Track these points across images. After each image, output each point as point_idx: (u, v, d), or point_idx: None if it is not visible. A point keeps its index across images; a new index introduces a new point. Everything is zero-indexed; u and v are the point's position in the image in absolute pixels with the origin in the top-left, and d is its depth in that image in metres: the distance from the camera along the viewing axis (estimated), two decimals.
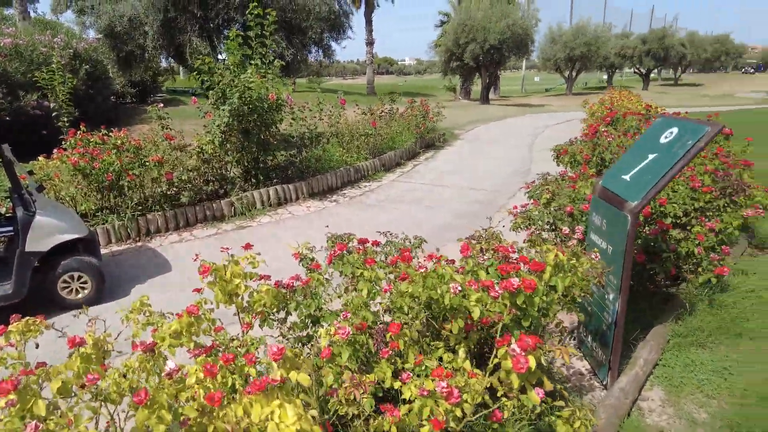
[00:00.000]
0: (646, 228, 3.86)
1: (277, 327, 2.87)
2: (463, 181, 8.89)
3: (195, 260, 2.59)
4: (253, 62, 7.24)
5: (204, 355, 2.24)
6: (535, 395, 1.51)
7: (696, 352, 3.33)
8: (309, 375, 1.69)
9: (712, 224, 3.88)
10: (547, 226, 4.16)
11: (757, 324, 3.60)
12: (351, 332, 2.27)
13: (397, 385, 2.18)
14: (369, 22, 27.95)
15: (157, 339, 2.14)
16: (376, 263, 2.73)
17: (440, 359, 2.42)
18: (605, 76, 44.77)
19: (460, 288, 2.13)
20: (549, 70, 36.16)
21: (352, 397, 2.22)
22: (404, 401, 2.11)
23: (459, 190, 8.33)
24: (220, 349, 2.35)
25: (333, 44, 12.98)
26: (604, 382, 3.09)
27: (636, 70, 42.44)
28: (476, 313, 2.09)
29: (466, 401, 1.91)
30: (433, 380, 1.89)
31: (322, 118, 8.91)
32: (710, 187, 3.91)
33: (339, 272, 2.85)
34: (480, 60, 24.15)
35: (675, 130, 2.89)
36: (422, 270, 2.22)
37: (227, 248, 2.53)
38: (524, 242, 3.76)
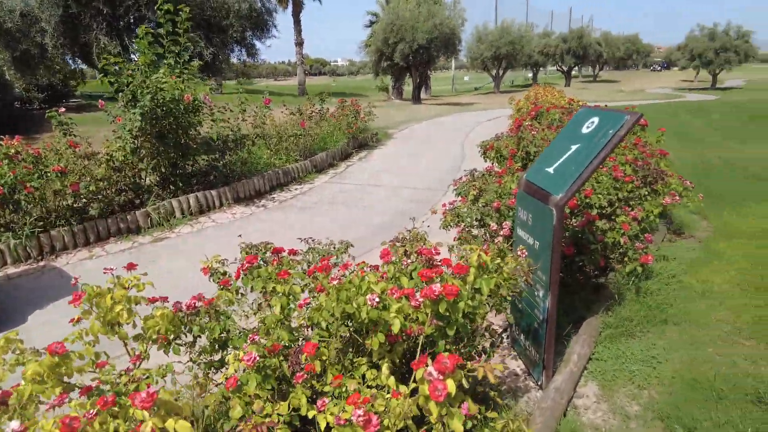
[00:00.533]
0: (573, 220, 3.83)
1: (186, 352, 2.54)
2: (397, 180, 8.76)
3: (74, 284, 2.21)
4: (166, 62, 6.71)
5: (83, 397, 1.90)
6: (459, 425, 1.32)
7: (626, 343, 3.32)
8: (190, 419, 1.40)
9: (635, 213, 3.92)
10: (476, 223, 4.06)
11: (678, 309, 3.66)
12: (257, 358, 1.99)
13: (311, 414, 1.94)
14: (297, 21, 27.41)
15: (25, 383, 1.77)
16: (291, 275, 2.46)
17: (363, 377, 2.20)
18: (530, 74, 46.60)
19: (378, 299, 1.91)
20: (477, 69, 37.11)
21: None
22: (327, 429, 1.88)
23: (393, 189, 8.18)
24: (105, 388, 2.00)
25: (257, 43, 12.48)
26: (539, 382, 2.99)
27: (558, 68, 44.52)
28: (396, 326, 1.88)
29: (387, 428, 1.70)
30: (349, 408, 1.66)
31: (245, 119, 8.47)
32: (632, 176, 3.95)
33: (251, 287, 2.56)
34: (410, 59, 24.29)
35: (596, 120, 2.83)
36: (335, 282, 1.98)
37: (111, 269, 2.17)
38: (454, 240, 3.63)
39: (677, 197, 4.56)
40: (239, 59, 12.10)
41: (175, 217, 6.69)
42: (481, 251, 2.15)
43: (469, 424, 2.23)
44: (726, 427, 2.45)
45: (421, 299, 1.88)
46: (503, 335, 3.61)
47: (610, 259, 3.86)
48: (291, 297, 2.39)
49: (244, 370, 2.08)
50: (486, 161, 5.61)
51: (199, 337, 2.44)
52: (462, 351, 2.52)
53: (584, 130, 2.85)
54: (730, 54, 35.25)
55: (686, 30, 43.34)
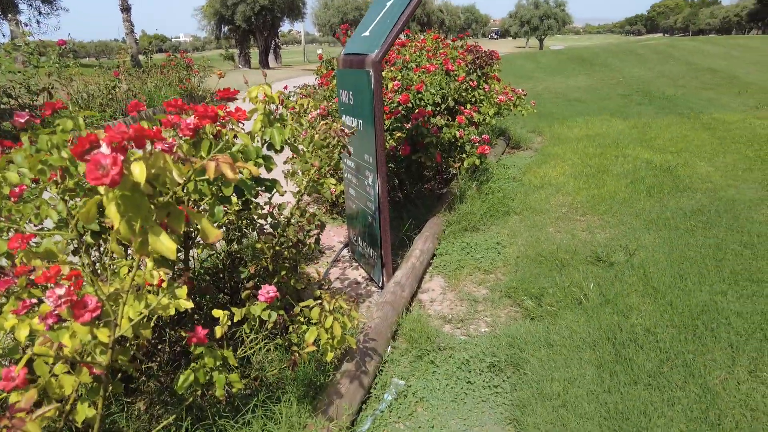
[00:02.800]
0: (408, 124, 3.49)
1: None
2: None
3: None
4: None
5: None
6: (167, 242, 0.77)
7: (471, 236, 3.08)
8: None
9: (469, 111, 3.71)
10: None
11: (519, 201, 3.55)
12: None
13: (9, 324, 1.25)
14: None
15: None
16: None
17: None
18: None
19: None
20: (326, 35, 36.38)
21: None
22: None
23: None
24: None
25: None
26: (380, 284, 2.60)
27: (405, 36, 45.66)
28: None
29: (122, 315, 1.10)
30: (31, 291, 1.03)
31: (36, 65, 6.87)
32: (462, 60, 3.71)
33: None
34: (252, 21, 22.75)
35: None
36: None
37: None
38: (285, 164, 3.07)
39: (510, 95, 4.49)
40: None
41: None
42: (267, 86, 1.59)
43: (273, 316, 1.72)
44: (570, 288, 2.27)
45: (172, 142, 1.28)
46: (345, 249, 3.17)
47: (450, 161, 3.63)
48: None
49: None
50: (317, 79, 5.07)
51: None
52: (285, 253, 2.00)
53: None
54: (551, 21, 39.70)
55: (515, 2, 47.65)
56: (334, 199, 3.41)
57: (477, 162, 3.40)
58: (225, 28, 24.70)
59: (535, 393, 1.67)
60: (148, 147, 0.81)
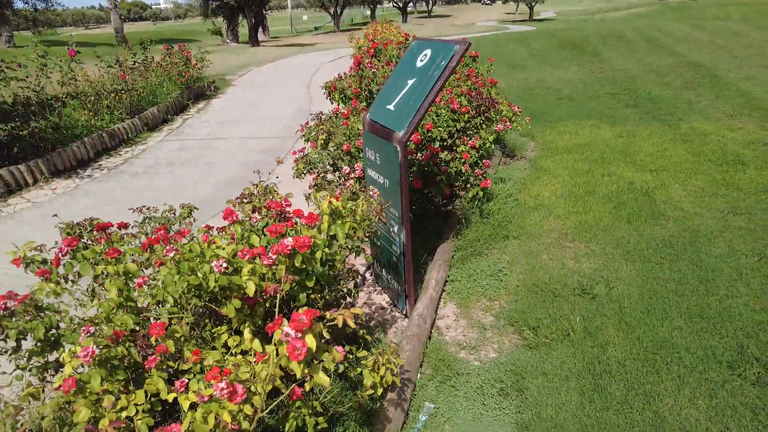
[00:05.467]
0: (419, 154, 3.96)
1: (11, 359, 2.15)
2: (243, 131, 8.24)
3: None
4: None
5: None
6: (324, 377, 1.29)
7: (476, 262, 3.61)
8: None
9: (473, 142, 4.18)
10: (330, 168, 3.99)
11: (516, 224, 4.07)
12: (95, 351, 1.74)
13: (171, 397, 1.78)
14: None
15: None
16: (123, 253, 2.16)
17: (226, 346, 2.08)
18: (368, 12, 46.44)
19: (226, 264, 1.76)
20: (315, 7, 35.88)
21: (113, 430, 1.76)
22: (191, 408, 1.74)
23: (240, 141, 7.69)
24: None
25: None
26: (404, 311, 3.13)
27: (395, 4, 44.96)
28: (251, 289, 1.77)
29: (256, 393, 1.62)
30: (209, 385, 1.54)
31: (49, 76, 7.14)
32: (467, 107, 4.16)
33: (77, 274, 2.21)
34: None
35: (429, 52, 2.86)
36: (173, 254, 1.78)
37: None
38: (309, 188, 3.54)
39: (508, 123, 4.97)
40: (28, 4, 9.94)
41: None
42: (331, 198, 2.08)
43: (341, 368, 2.27)
44: (561, 321, 2.83)
45: (274, 256, 1.78)
46: (366, 274, 3.70)
47: (455, 187, 4.12)
48: (128, 277, 2.12)
49: (83, 368, 1.82)
50: (332, 103, 5.49)
51: (24, 339, 2.07)
52: (327, 298, 2.51)
53: (419, 64, 2.87)
54: None
55: None
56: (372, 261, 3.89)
57: (480, 194, 3.90)
58: (213, 4, 24.40)
59: (535, 415, 2.24)
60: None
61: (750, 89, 7.74)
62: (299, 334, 1.21)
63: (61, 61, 7.50)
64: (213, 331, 2.17)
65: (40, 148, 6.57)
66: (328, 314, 1.50)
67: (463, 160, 3.91)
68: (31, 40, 8.31)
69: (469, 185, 4.03)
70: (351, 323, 1.37)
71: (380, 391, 2.17)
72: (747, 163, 4.84)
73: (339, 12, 34.81)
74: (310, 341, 1.23)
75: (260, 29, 27.86)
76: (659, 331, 2.65)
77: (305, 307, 1.58)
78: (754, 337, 2.53)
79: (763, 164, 4.79)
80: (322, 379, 1.26)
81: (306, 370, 1.24)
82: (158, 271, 2.12)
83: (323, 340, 1.41)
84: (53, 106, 7.12)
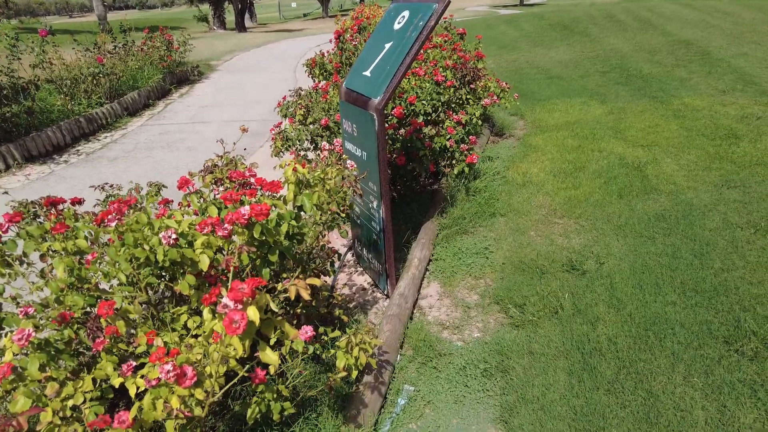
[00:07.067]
0: (402, 130, 3.78)
1: None
2: (227, 114, 8.00)
3: None
4: None
5: None
6: (271, 354, 1.13)
7: (462, 240, 3.46)
8: None
9: (459, 117, 4.01)
10: (311, 146, 3.81)
11: (504, 202, 3.92)
12: (32, 334, 1.58)
13: (117, 381, 1.61)
14: None
15: None
16: (73, 228, 1.98)
17: (186, 328, 1.91)
18: None
19: (175, 236, 1.58)
20: None
21: (58, 420, 1.61)
22: (138, 397, 1.58)
23: (222, 125, 7.46)
24: None
25: None
26: (386, 292, 2.98)
27: None
28: (204, 263, 1.59)
29: (210, 375, 1.46)
30: (154, 366, 1.38)
31: (20, 57, 6.86)
32: (452, 81, 3.98)
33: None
34: None
35: (407, 13, 2.68)
36: (115, 223, 1.60)
37: None
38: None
39: (496, 98, 4.79)
40: None
41: None
42: (297, 164, 1.91)
43: (311, 350, 2.11)
44: (549, 298, 2.69)
45: (229, 227, 1.60)
46: (348, 253, 3.53)
47: (440, 165, 3.95)
48: (81, 255, 1.94)
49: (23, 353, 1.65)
50: (313, 79, 5.29)
51: None
52: (300, 277, 2.35)
53: (396, 26, 2.68)
54: None
55: None
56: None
57: (466, 170, 3.73)
58: None
59: (520, 397, 2.10)
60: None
61: (742, 65, 7.59)
62: (239, 306, 1.04)
63: (33, 42, 7.22)
64: (173, 311, 2.00)
65: (13, 133, 6.32)
66: (279, 285, 1.33)
67: (448, 135, 3.73)
68: (6, 25, 8.01)
69: (454, 161, 3.86)
70: (305, 294, 1.21)
71: (355, 373, 2.01)
72: (741, 136, 4.70)
73: None
74: (252, 313, 1.06)
75: (248, 16, 27.33)
76: (652, 306, 2.51)
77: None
78: (751, 310, 2.40)
79: (756, 137, 4.65)
80: (270, 357, 1.10)
81: (248, 345, 1.08)
82: (107, 246, 1.94)
83: (274, 315, 1.24)
84: (26, 89, 6.85)
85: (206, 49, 15.99)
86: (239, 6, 24.15)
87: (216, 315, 1.22)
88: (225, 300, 1.06)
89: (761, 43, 9.05)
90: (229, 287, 1.28)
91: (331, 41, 5.35)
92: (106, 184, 2.76)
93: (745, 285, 2.60)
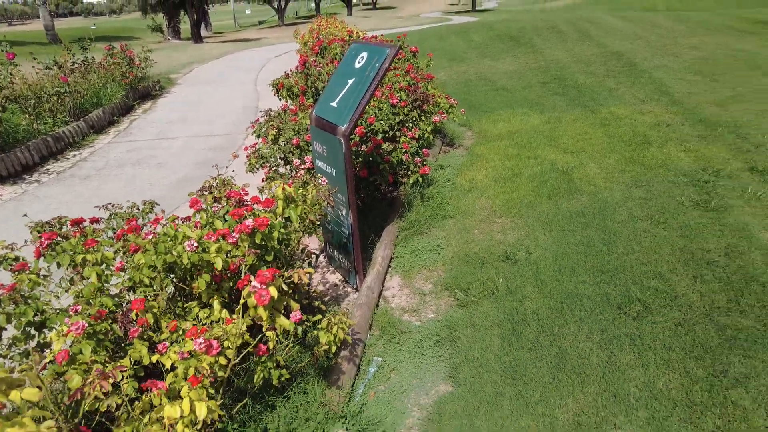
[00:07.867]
0: (364, 146, 4.35)
1: None
2: (192, 129, 8.36)
3: None
4: None
5: None
6: (285, 320, 1.66)
7: (418, 239, 4.05)
8: (39, 387, 1.48)
9: (412, 133, 4.61)
10: (282, 161, 4.32)
11: (453, 206, 4.54)
12: (86, 325, 2.04)
13: (155, 358, 2.10)
14: None
15: None
16: (99, 242, 2.44)
17: (197, 318, 2.40)
18: (313, 4, 46.21)
19: (196, 243, 2.09)
20: (258, 0, 35.42)
21: (104, 390, 2.07)
22: (170, 370, 2.06)
23: (189, 139, 7.82)
24: None
25: None
26: (355, 286, 3.53)
27: None
28: (219, 264, 2.10)
29: (228, 348, 1.97)
30: (190, 340, 1.88)
31: None
32: (406, 101, 4.57)
33: (56, 264, 2.46)
34: None
35: (365, 54, 3.24)
36: (151, 236, 2.09)
37: None
38: (262, 181, 3.86)
39: (444, 115, 5.43)
40: None
41: None
42: (285, 185, 2.44)
43: (300, 331, 2.63)
44: (487, 283, 3.31)
45: (237, 235, 2.12)
46: (321, 256, 4.06)
47: (399, 175, 4.55)
48: (105, 264, 2.40)
49: (73, 343, 2.10)
50: (280, 99, 5.78)
51: (5, 329, 2.31)
52: (285, 275, 2.87)
53: (357, 65, 3.25)
54: None
55: None
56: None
57: (420, 179, 4.34)
58: (153, 0, 23.77)
59: (464, 359, 2.69)
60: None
61: (661, 76, 8.59)
62: (264, 286, 1.57)
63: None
64: (185, 306, 2.49)
65: None
66: (285, 273, 1.87)
67: (404, 150, 4.33)
68: None
69: (410, 172, 4.45)
70: (305, 278, 1.75)
71: (334, 348, 2.55)
72: (651, 142, 5.53)
73: (283, 5, 34.51)
74: (273, 291, 1.59)
75: (203, 25, 27.34)
76: (567, 285, 3.17)
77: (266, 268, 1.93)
78: (639, 283, 3.10)
79: (664, 142, 5.48)
80: (284, 321, 1.63)
81: (269, 314, 1.60)
82: (131, 257, 2.41)
83: (284, 294, 1.77)
84: None
85: (164, 61, 16.11)
86: (195, 16, 24.18)
87: (243, 296, 1.73)
88: (254, 282, 1.58)
89: (679, 55, 10.17)
90: (245, 278, 1.80)
91: (297, 66, 5.85)
92: (109, 203, 3.19)
93: (638, 265, 3.30)
